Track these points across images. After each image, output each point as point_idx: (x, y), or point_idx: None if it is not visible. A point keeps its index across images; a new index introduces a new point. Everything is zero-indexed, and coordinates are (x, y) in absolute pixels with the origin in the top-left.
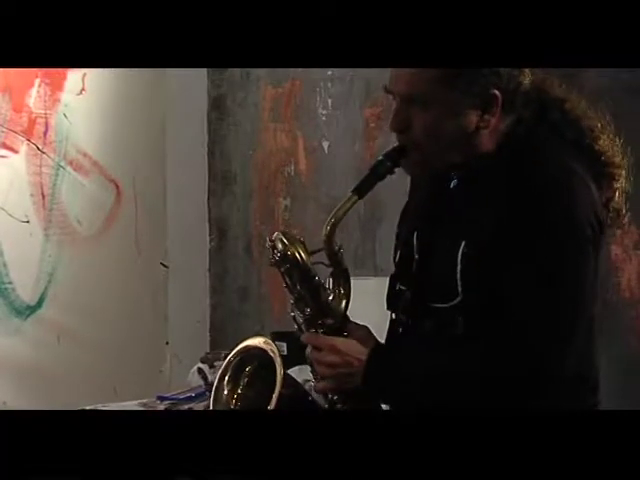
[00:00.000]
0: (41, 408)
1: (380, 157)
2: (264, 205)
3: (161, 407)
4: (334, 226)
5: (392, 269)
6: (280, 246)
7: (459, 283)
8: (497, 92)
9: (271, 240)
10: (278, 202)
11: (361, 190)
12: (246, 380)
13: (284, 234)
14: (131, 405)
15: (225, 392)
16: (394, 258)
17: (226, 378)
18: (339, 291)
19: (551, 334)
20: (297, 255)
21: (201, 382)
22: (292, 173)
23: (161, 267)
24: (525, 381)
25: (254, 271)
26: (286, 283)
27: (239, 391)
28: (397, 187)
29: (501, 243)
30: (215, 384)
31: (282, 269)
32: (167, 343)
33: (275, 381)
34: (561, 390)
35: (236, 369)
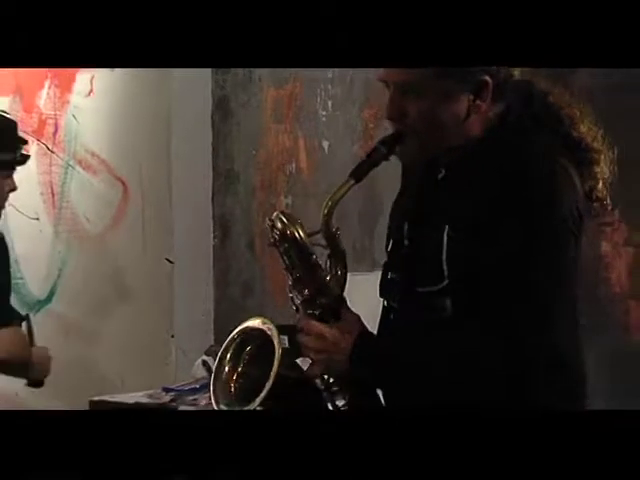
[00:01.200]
0: (51, 398)
1: (376, 144)
2: (266, 203)
3: (166, 398)
4: (332, 208)
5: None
6: (279, 225)
7: (445, 267)
8: (488, 78)
9: (271, 220)
10: (280, 200)
11: (357, 174)
12: (246, 358)
13: (283, 214)
14: (137, 396)
15: (226, 370)
16: (386, 247)
17: (227, 357)
18: (336, 272)
19: (530, 317)
20: (296, 234)
21: (205, 374)
22: (293, 172)
23: (167, 263)
24: (507, 364)
25: (257, 266)
26: (285, 263)
27: (239, 369)
28: (394, 184)
29: (484, 227)
30: (216, 363)
31: (281, 248)
32: (172, 336)
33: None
34: (544, 374)
35: (237, 348)
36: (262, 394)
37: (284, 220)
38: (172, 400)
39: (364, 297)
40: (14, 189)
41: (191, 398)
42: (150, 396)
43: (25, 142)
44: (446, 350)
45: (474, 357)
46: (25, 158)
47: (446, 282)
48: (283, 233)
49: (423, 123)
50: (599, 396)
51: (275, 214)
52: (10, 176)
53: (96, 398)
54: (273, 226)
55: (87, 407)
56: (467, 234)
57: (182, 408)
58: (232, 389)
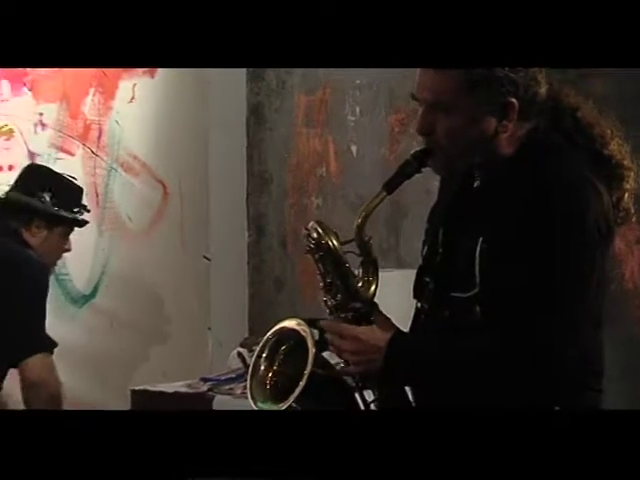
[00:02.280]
0: (95, 388)
1: (408, 157)
2: (298, 203)
3: (204, 387)
4: (365, 218)
5: (415, 262)
6: (315, 235)
7: (477, 275)
8: (514, 100)
9: (307, 229)
10: (311, 201)
11: (390, 187)
12: (281, 358)
13: (319, 224)
14: (177, 386)
15: (262, 369)
16: (421, 252)
17: (263, 356)
18: (368, 278)
19: (558, 327)
20: (330, 243)
21: (240, 365)
22: (323, 174)
23: (204, 260)
24: (531, 366)
25: (288, 264)
26: (319, 270)
27: (274, 368)
28: (419, 185)
29: (515, 241)
30: (252, 361)
31: (316, 256)
32: (209, 329)
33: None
34: (567, 373)
35: (272, 348)
36: (296, 392)
37: (319, 230)
38: (209, 389)
39: (389, 293)
40: (69, 250)
41: (227, 387)
42: (189, 385)
43: (87, 210)
44: (474, 354)
45: (501, 363)
46: (84, 223)
47: (477, 290)
48: (318, 242)
49: (451, 140)
50: (613, 385)
51: (311, 224)
52: (68, 236)
53: (137, 387)
54: (309, 235)
55: (129, 396)
56: (499, 245)
57: (219, 397)
58: (268, 386)
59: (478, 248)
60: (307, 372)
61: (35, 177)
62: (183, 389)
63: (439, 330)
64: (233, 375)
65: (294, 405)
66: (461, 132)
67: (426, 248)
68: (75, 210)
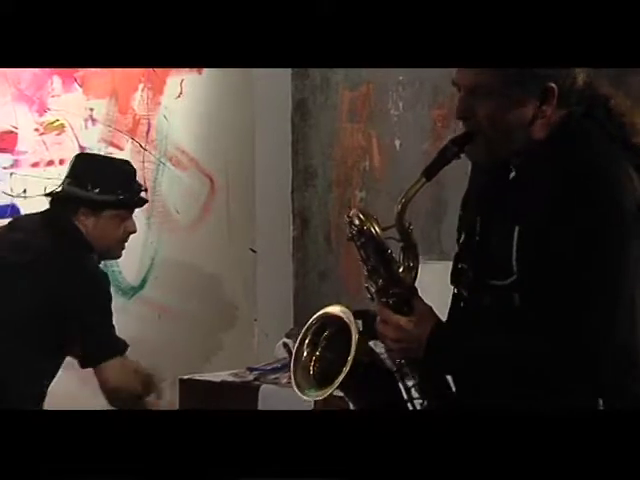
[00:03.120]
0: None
1: (447, 142)
2: (342, 197)
3: (250, 377)
4: (405, 204)
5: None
6: (357, 221)
7: (514, 263)
8: (554, 85)
9: (349, 216)
10: (354, 194)
11: (429, 172)
12: (324, 343)
13: (361, 211)
14: (224, 375)
15: (304, 354)
16: (457, 239)
17: (306, 341)
18: (408, 264)
19: (594, 310)
20: (372, 230)
21: (286, 355)
22: (367, 168)
23: (250, 252)
24: (570, 353)
25: (332, 256)
26: (361, 256)
27: (317, 353)
28: (461, 178)
29: (551, 228)
30: (296, 346)
31: (358, 243)
32: (255, 320)
33: (350, 347)
34: (608, 359)
35: (315, 333)
36: (339, 378)
37: (361, 217)
38: (255, 379)
39: (431, 284)
40: (134, 231)
41: (273, 377)
42: (235, 375)
43: (144, 189)
44: (515, 346)
45: (539, 353)
46: (143, 202)
47: (515, 277)
48: (360, 229)
49: (490, 124)
50: None
51: (353, 211)
52: (130, 218)
53: (186, 377)
54: (351, 222)
55: (177, 385)
56: (535, 233)
57: (264, 386)
58: (311, 372)
59: (515, 235)
60: (350, 358)
61: (81, 165)
62: (230, 378)
63: (478, 317)
64: (278, 365)
65: (338, 391)
66: (500, 116)
67: (463, 236)
68: (120, 192)
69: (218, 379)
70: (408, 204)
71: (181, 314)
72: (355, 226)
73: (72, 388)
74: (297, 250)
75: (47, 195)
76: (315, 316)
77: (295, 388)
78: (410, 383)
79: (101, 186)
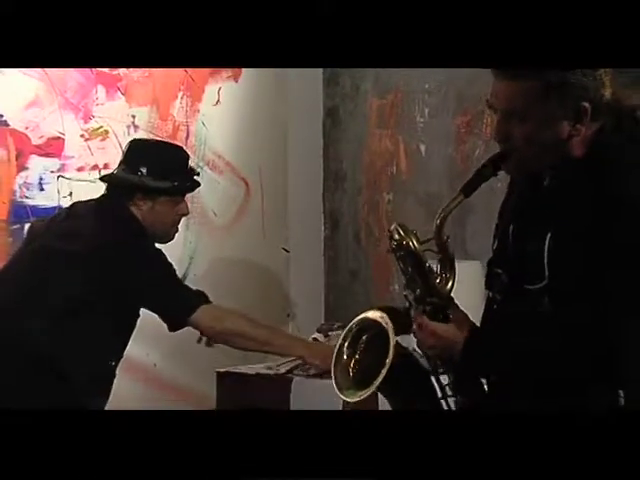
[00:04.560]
0: (184, 370)
1: (485, 162)
2: (370, 199)
3: (283, 370)
4: (444, 219)
5: (481, 254)
6: (397, 236)
7: (546, 268)
8: (587, 104)
9: (389, 231)
10: (382, 197)
11: (467, 189)
12: (362, 347)
13: (400, 226)
14: (258, 368)
15: (345, 357)
16: (492, 245)
17: (346, 344)
18: (445, 275)
19: (626, 319)
20: (411, 244)
21: None
22: (394, 172)
23: (283, 252)
24: (599, 358)
25: (362, 256)
26: (400, 267)
27: (357, 356)
28: (484, 184)
29: (584, 236)
30: (336, 350)
31: (397, 255)
32: (288, 315)
33: (387, 349)
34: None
35: (355, 337)
36: (378, 380)
37: (400, 232)
38: (288, 371)
39: (457, 282)
40: (186, 214)
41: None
42: (269, 367)
43: (197, 173)
44: (546, 342)
45: (570, 350)
46: (196, 185)
47: (546, 282)
48: (400, 243)
49: (526, 145)
50: None
51: (393, 226)
52: (183, 201)
53: (222, 369)
54: (391, 236)
55: (214, 377)
56: (567, 241)
57: (297, 378)
58: (351, 374)
59: (547, 243)
60: (389, 360)
61: (135, 151)
62: (264, 371)
63: (511, 320)
64: None
65: (375, 391)
66: (536, 137)
67: (497, 242)
68: (175, 179)
69: (253, 372)
70: (446, 218)
71: None
72: (395, 240)
73: None
74: (328, 249)
75: (102, 179)
76: (354, 320)
77: (336, 390)
78: (445, 381)
79: (155, 173)
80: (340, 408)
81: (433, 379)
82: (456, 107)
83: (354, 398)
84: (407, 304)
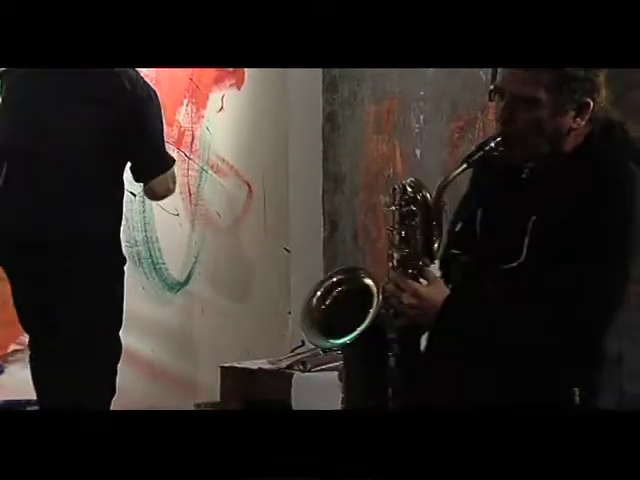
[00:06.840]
0: (187, 363)
1: (486, 139)
2: (368, 201)
3: (283, 364)
4: (444, 187)
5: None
6: (410, 189)
7: (525, 246)
8: (590, 100)
9: (402, 184)
10: (379, 199)
11: (469, 160)
12: (336, 296)
13: (414, 180)
14: (260, 363)
15: (314, 300)
16: (452, 229)
17: (318, 294)
18: (435, 238)
19: (598, 300)
20: (428, 197)
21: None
22: (391, 175)
23: (284, 252)
24: (574, 329)
25: (359, 255)
26: (399, 224)
27: (327, 302)
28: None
29: (566, 220)
30: (310, 291)
31: (403, 210)
32: (289, 313)
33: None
34: (603, 327)
35: (330, 286)
36: (363, 325)
37: (415, 185)
38: (288, 367)
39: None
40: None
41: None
42: (271, 362)
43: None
44: (523, 323)
45: (545, 325)
46: None
47: (522, 259)
48: (413, 197)
49: (529, 131)
50: None
51: (408, 180)
52: None
53: (226, 364)
54: (404, 190)
55: (219, 372)
56: (549, 223)
57: (297, 373)
58: (315, 317)
59: (530, 223)
60: (370, 317)
61: None
62: (265, 366)
63: (480, 296)
64: (308, 354)
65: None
66: (542, 125)
67: (459, 227)
68: None
69: (255, 367)
70: (447, 185)
71: (222, 307)
72: (408, 194)
73: None
74: (327, 249)
75: None
76: (336, 270)
77: (303, 332)
78: (392, 336)
79: None
80: (339, 402)
81: (384, 331)
82: (450, 113)
83: (319, 341)
84: (390, 265)
